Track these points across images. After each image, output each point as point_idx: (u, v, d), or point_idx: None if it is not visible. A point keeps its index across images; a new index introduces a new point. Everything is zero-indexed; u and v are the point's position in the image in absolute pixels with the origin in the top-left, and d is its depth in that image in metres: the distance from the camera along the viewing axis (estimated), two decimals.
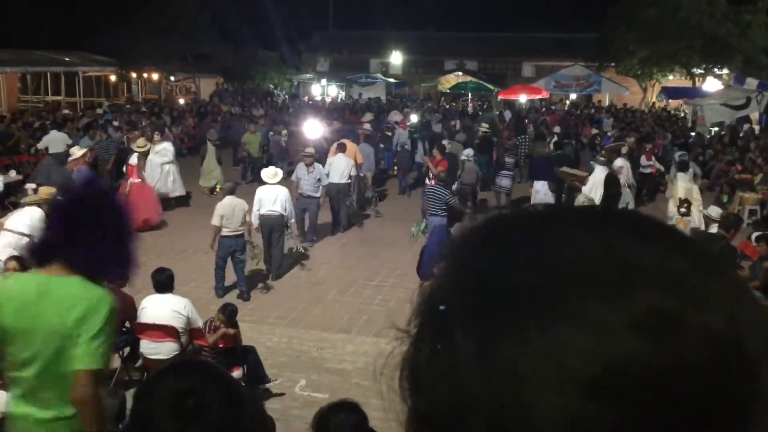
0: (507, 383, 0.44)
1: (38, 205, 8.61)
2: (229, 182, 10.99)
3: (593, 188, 12.41)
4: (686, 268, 0.48)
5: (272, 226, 10.35)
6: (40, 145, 15.68)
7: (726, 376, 0.45)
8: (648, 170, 16.49)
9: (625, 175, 13.52)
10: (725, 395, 0.45)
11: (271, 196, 10.34)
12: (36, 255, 2.72)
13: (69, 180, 11.61)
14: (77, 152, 12.38)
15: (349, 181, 13.40)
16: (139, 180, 13.03)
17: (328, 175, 12.78)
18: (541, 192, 13.75)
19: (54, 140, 15.51)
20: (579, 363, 0.44)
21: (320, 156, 15.46)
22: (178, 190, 14.74)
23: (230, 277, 9.82)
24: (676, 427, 0.44)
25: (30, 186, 10.29)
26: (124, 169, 13.62)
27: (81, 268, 2.60)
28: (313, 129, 16.43)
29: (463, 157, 14.54)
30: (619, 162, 13.60)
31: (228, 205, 9.49)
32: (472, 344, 0.46)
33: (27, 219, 8.24)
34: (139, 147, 13.36)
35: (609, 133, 22.09)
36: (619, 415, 0.43)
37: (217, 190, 15.29)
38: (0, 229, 8.38)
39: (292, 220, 10.82)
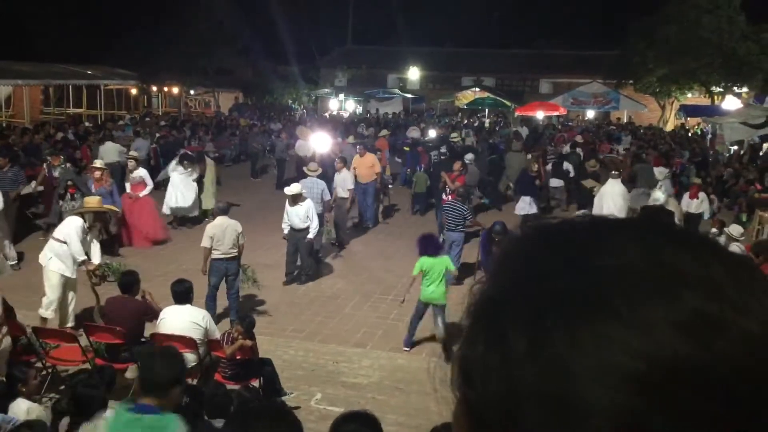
0: (557, 377, 0.48)
1: (80, 215, 8.79)
2: (221, 202, 10.03)
3: (602, 199, 12.31)
4: (725, 275, 0.52)
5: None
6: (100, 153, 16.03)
7: (762, 374, 0.49)
8: (695, 210, 13.55)
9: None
10: (761, 392, 0.48)
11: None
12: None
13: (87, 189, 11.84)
14: (97, 163, 12.63)
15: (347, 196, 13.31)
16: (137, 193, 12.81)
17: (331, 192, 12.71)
18: (526, 207, 13.53)
19: (108, 150, 16.17)
20: (625, 359, 0.47)
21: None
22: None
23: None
24: (714, 421, 0.47)
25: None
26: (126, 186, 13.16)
27: None
28: (321, 143, 16.26)
29: (466, 161, 14.81)
30: (659, 196, 12.16)
31: (219, 226, 9.03)
32: (524, 341, 0.50)
33: (65, 227, 8.59)
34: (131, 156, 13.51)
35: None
36: (663, 408, 0.47)
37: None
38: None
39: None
